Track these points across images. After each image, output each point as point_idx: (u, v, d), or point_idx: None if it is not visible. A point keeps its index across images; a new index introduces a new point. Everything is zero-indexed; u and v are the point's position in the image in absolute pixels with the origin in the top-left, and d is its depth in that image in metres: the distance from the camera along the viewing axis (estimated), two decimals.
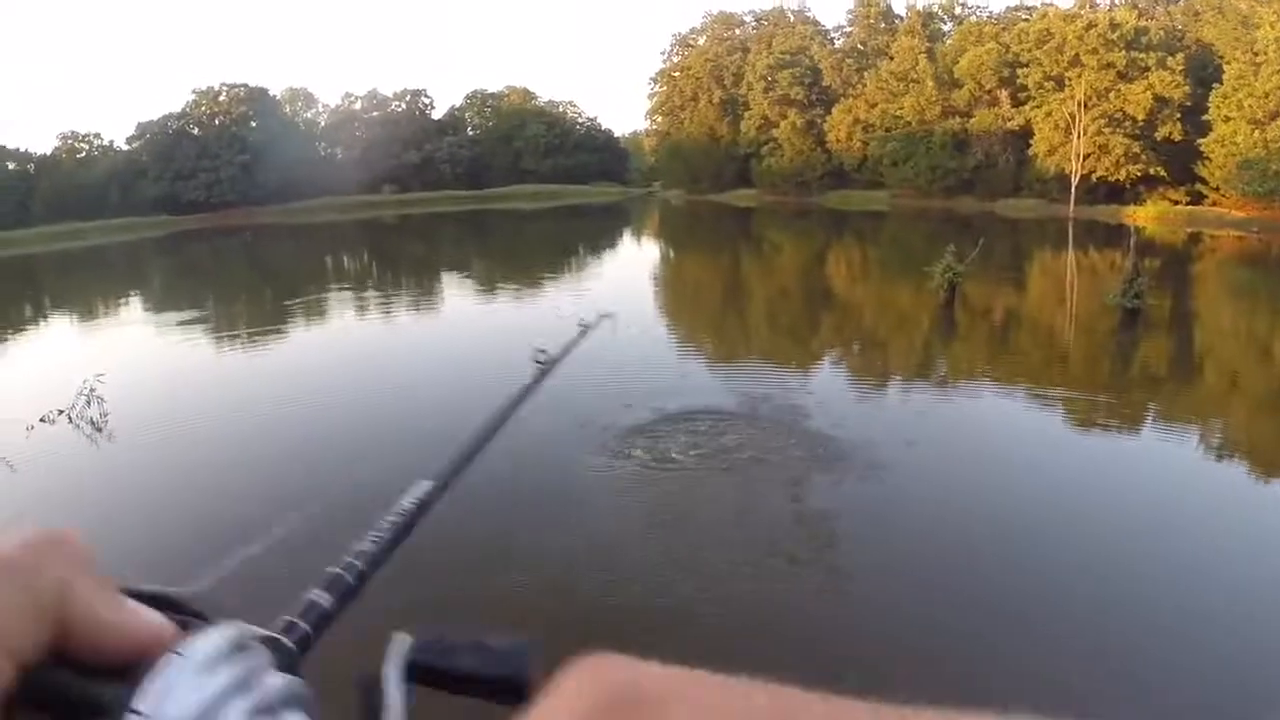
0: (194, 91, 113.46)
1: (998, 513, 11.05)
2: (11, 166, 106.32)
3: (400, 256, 57.30)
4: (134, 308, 37.21)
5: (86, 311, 36.37)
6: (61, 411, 16.66)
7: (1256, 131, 58.47)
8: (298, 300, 34.66)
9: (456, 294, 35.59)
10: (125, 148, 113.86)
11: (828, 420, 14.57)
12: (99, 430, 16.02)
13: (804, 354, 22.39)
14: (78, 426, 16.23)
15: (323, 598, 0.85)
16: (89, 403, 16.83)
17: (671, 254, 54.29)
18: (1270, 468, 13.25)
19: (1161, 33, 72.13)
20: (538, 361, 2.51)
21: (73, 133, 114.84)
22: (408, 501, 1.12)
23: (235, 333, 28.84)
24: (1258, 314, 29.08)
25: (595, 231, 70.72)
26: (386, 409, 16.93)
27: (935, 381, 18.71)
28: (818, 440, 13.52)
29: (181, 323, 30.06)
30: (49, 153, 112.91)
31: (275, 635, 0.69)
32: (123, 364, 23.14)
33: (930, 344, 23.50)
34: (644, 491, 11.71)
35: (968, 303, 28.63)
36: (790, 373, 19.50)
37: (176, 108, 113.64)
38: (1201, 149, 64.28)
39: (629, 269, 45.25)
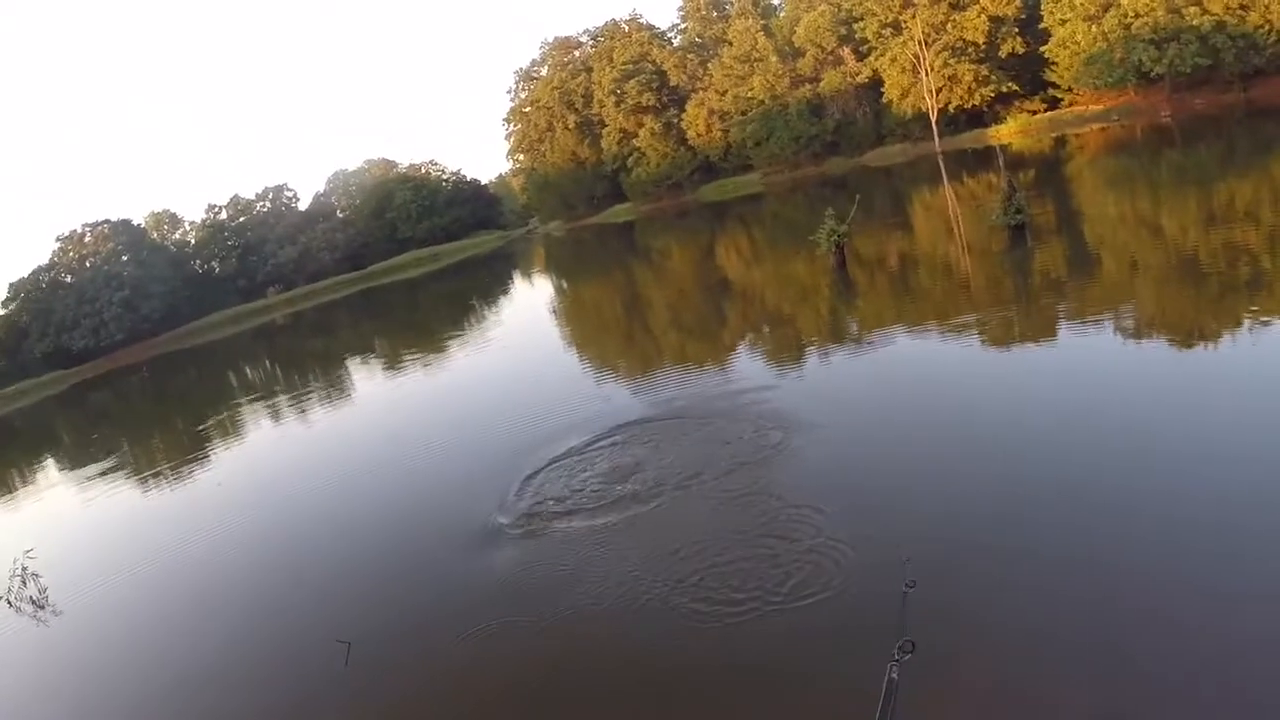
0: (57, 239, 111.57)
1: (945, 442, 11.01)
2: None
3: (301, 353, 56.42)
4: (49, 471, 36.00)
5: (2, 487, 35.15)
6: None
7: (1094, 26, 59.53)
8: (209, 422, 33.96)
9: (364, 377, 34.93)
10: (2, 312, 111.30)
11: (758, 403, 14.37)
12: (41, 608, 15.26)
13: (716, 349, 22.12)
14: (18, 610, 15.49)
15: None
16: (24, 582, 16.13)
17: (564, 284, 54.01)
18: (1187, 334, 13.35)
19: None
20: None
21: None
22: None
23: (155, 470, 28.00)
24: (1138, 194, 29.48)
25: (485, 281, 70.32)
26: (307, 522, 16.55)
27: (850, 341, 18.55)
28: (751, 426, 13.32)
29: (101, 474, 29.17)
30: None
31: None
32: (50, 533, 22.60)
33: (835, 308, 23.37)
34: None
35: (860, 258, 28.73)
36: (707, 370, 19.26)
37: (44, 259, 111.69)
38: (1046, 55, 65.37)
39: (526, 309, 45.08)
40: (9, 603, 15.75)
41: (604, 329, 31.68)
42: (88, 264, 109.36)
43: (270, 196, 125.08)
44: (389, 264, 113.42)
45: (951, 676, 6.64)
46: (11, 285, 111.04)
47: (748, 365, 18.91)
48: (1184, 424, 10.20)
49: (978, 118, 72.81)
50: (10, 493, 32.41)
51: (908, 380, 14.44)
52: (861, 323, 20.51)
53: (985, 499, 9.53)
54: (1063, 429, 10.72)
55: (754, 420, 13.67)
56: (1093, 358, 13.35)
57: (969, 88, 70.83)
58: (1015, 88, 70.60)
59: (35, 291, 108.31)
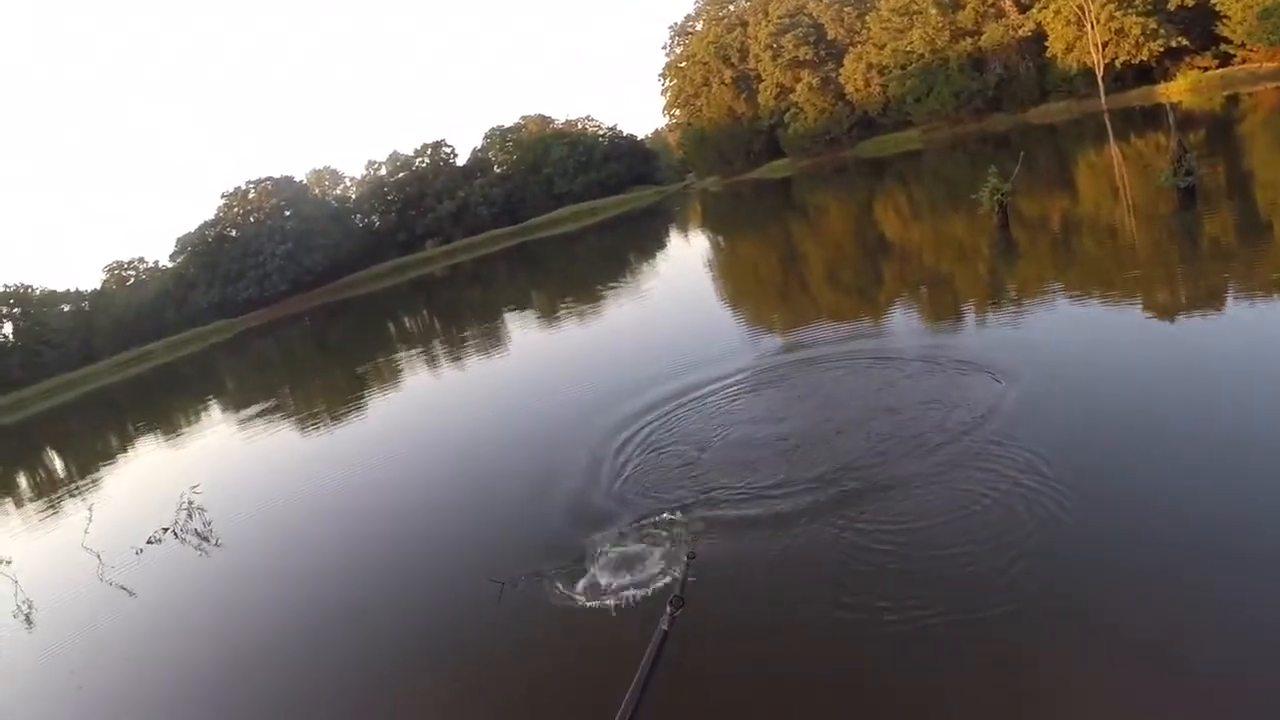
0: (223, 196, 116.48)
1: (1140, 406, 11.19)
2: (67, 309, 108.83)
3: (459, 304, 58.17)
4: (214, 413, 38.36)
5: (170, 427, 37.39)
6: (166, 529, 17.44)
7: None
8: (365, 368, 35.68)
9: (520, 328, 36.01)
10: (170, 264, 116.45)
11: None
12: (205, 540, 16.57)
13: (874, 306, 22.41)
14: (184, 541, 16.82)
15: None
16: (190, 515, 17.54)
17: (721, 240, 54.42)
18: None
19: None
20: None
21: (117, 262, 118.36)
22: None
23: (313, 412, 29.51)
24: None
25: (641, 236, 71.12)
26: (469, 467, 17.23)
27: (1011, 304, 18.66)
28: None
29: (263, 415, 31.04)
30: (99, 287, 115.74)
31: None
32: (215, 470, 24.05)
33: (996, 269, 23.47)
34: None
35: (1023, 219, 28.64)
36: (865, 327, 19.60)
37: (210, 215, 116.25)
38: (1218, 9, 62.98)
39: (683, 265, 45.75)
40: (175, 534, 17.18)
41: (762, 284, 32.08)
42: (252, 219, 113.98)
43: (429, 152, 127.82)
44: (546, 218, 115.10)
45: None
46: (179, 240, 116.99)
47: (896, 326, 19.08)
48: None
49: (1146, 74, 70.50)
50: (179, 433, 34.48)
51: (1080, 344, 14.49)
52: (1021, 285, 20.57)
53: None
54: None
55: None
56: (1266, 324, 13.38)
57: (1136, 41, 68.59)
58: (1185, 42, 67.99)
59: (202, 245, 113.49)
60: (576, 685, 8.34)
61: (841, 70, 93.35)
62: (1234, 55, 64.72)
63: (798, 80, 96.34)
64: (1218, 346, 12.91)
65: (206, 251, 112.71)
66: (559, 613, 9.54)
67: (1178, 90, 64.79)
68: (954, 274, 24.92)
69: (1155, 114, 52.63)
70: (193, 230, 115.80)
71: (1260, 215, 22.06)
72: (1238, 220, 21.74)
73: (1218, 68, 66.12)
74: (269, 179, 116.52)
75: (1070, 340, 14.60)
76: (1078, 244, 24.60)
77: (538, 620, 9.65)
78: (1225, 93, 58.22)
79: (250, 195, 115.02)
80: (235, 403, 39.49)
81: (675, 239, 64.14)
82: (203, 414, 38.45)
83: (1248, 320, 13.92)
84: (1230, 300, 15.16)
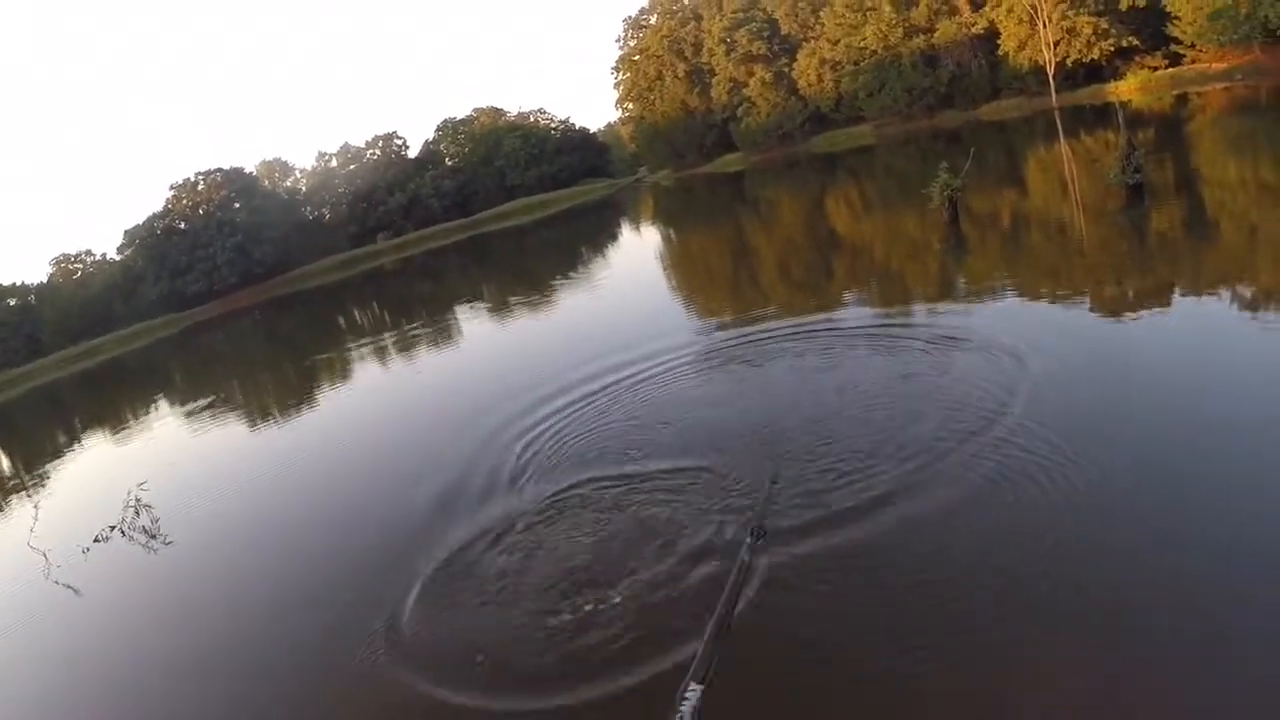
0: (171, 188, 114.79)
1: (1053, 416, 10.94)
2: (13, 302, 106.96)
3: (410, 297, 57.64)
4: (161, 407, 37.59)
5: (117, 423, 36.70)
6: (113, 526, 16.99)
7: None
8: (315, 361, 35.11)
9: (471, 321, 35.55)
10: (118, 258, 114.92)
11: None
12: (153, 537, 16.19)
13: (824, 300, 22.24)
14: (131, 538, 16.43)
15: None
16: (137, 512, 17.14)
17: (673, 234, 54.20)
18: None
19: None
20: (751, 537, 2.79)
21: (65, 255, 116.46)
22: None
23: (264, 405, 29.21)
24: (1260, 159, 28.89)
25: (593, 229, 70.79)
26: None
27: (960, 300, 18.54)
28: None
29: (209, 409, 30.48)
30: (45, 280, 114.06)
31: None
32: (162, 466, 23.64)
33: (945, 265, 23.39)
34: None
35: (973, 215, 28.65)
36: (812, 320, 19.38)
37: (159, 207, 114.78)
38: (1169, 10, 63.41)
39: (635, 258, 45.57)
40: (122, 532, 16.77)
41: (713, 279, 31.92)
42: (201, 211, 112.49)
43: (380, 144, 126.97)
44: (497, 211, 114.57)
45: None
46: (127, 232, 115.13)
47: (848, 319, 18.64)
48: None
49: (1096, 73, 71.02)
50: (126, 428, 33.89)
51: (1022, 334, 14.08)
52: (971, 280, 20.51)
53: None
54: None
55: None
56: (1206, 323, 13.36)
57: (1088, 41, 69.04)
58: (1136, 42, 68.48)
59: (150, 238, 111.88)
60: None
61: (795, 65, 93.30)
62: (1184, 55, 65.18)
63: (751, 75, 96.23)
64: (1159, 341, 12.96)
65: (155, 244, 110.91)
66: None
67: (1128, 89, 65.31)
68: (903, 269, 24.90)
69: (1105, 112, 52.99)
70: (141, 223, 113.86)
71: (1206, 212, 22.20)
72: (1185, 216, 21.85)
73: (1167, 67, 66.61)
74: (218, 170, 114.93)
75: (1013, 331, 14.40)
76: (1026, 239, 24.66)
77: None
78: (1174, 92, 58.74)
79: (199, 187, 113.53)
80: (182, 397, 38.91)
81: (627, 232, 63.86)
82: (150, 409, 37.72)
83: (1193, 314, 13.99)
84: (1175, 295, 15.25)
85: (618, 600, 8.54)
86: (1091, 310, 15.31)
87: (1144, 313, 14.62)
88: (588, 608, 8.62)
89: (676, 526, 9.73)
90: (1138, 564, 7.46)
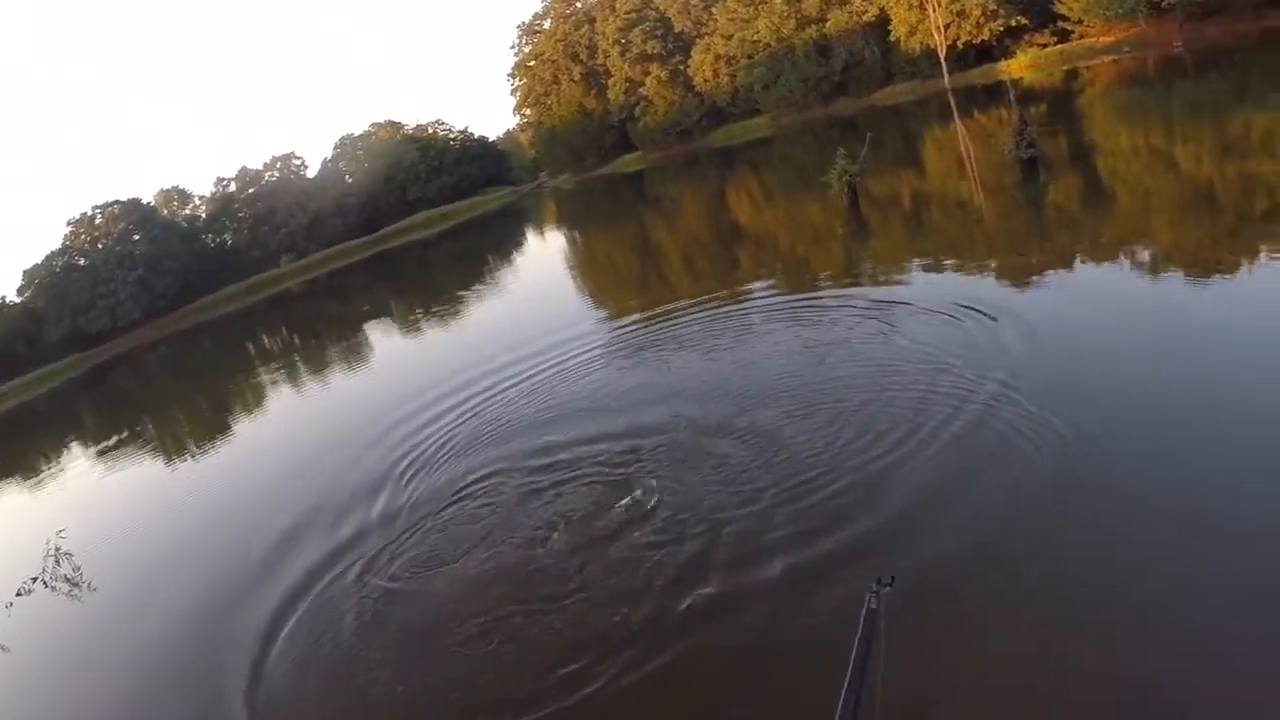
0: (69, 223, 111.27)
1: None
2: None
3: (317, 319, 56.60)
4: (72, 451, 36.33)
5: (29, 471, 35.31)
6: (35, 578, 16.14)
7: None
8: (226, 392, 34.32)
9: (382, 338, 34.97)
10: (18, 299, 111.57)
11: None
12: (76, 585, 15.46)
13: (731, 288, 21.98)
14: (54, 589, 15.64)
15: None
16: (58, 561, 16.41)
17: (577, 237, 53.90)
18: (1199, 261, 13.29)
19: None
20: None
21: None
22: None
23: (179, 441, 28.38)
24: (1150, 126, 29.20)
25: (497, 238, 70.28)
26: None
27: (865, 281, 18.42)
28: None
29: (119, 448, 29.57)
30: None
31: None
32: (78, 511, 22.81)
33: (849, 248, 23.27)
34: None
35: (872, 198, 28.67)
36: (722, 311, 19.14)
37: (57, 245, 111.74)
38: None
39: (541, 262, 45.16)
40: (44, 583, 15.95)
41: (619, 279, 31.66)
42: (99, 245, 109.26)
43: (278, 166, 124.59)
44: (401, 225, 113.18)
45: None
46: (25, 272, 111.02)
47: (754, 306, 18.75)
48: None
49: (987, 53, 71.70)
50: (38, 476, 32.65)
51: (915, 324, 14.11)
52: (875, 262, 20.44)
53: None
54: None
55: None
56: (1104, 282, 13.54)
57: (977, 22, 69.69)
58: (1024, 21, 69.26)
59: (49, 276, 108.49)
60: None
61: (690, 62, 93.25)
62: (1072, 31, 66.05)
63: (646, 74, 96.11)
64: (1061, 298, 13.27)
65: (54, 283, 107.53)
66: None
67: (1018, 67, 66.09)
68: (805, 254, 24.82)
69: (997, 91, 53.66)
70: (39, 261, 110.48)
71: (1100, 179, 22.42)
72: (1079, 185, 22.02)
73: (1056, 44, 67.42)
74: (115, 203, 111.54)
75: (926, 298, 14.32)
76: (926, 217, 24.74)
77: None
78: (1064, 67, 59.56)
79: (97, 221, 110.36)
80: (92, 438, 37.69)
81: (532, 238, 63.42)
82: (61, 453, 36.46)
83: (1092, 275, 14.27)
84: (1074, 257, 15.43)
85: None
86: (996, 279, 15.22)
87: (1046, 275, 14.69)
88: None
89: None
90: None
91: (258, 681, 9.52)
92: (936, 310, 13.71)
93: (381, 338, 34.62)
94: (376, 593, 10.44)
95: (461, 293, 38.57)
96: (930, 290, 15.16)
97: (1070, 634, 6.36)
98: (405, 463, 14.67)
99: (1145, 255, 14.43)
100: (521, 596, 9.25)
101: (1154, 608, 6.37)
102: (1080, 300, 13.18)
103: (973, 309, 13.22)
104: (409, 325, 35.80)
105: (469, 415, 16.05)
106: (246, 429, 26.26)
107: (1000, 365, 10.92)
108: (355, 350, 33.59)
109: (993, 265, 16.28)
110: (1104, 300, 12.75)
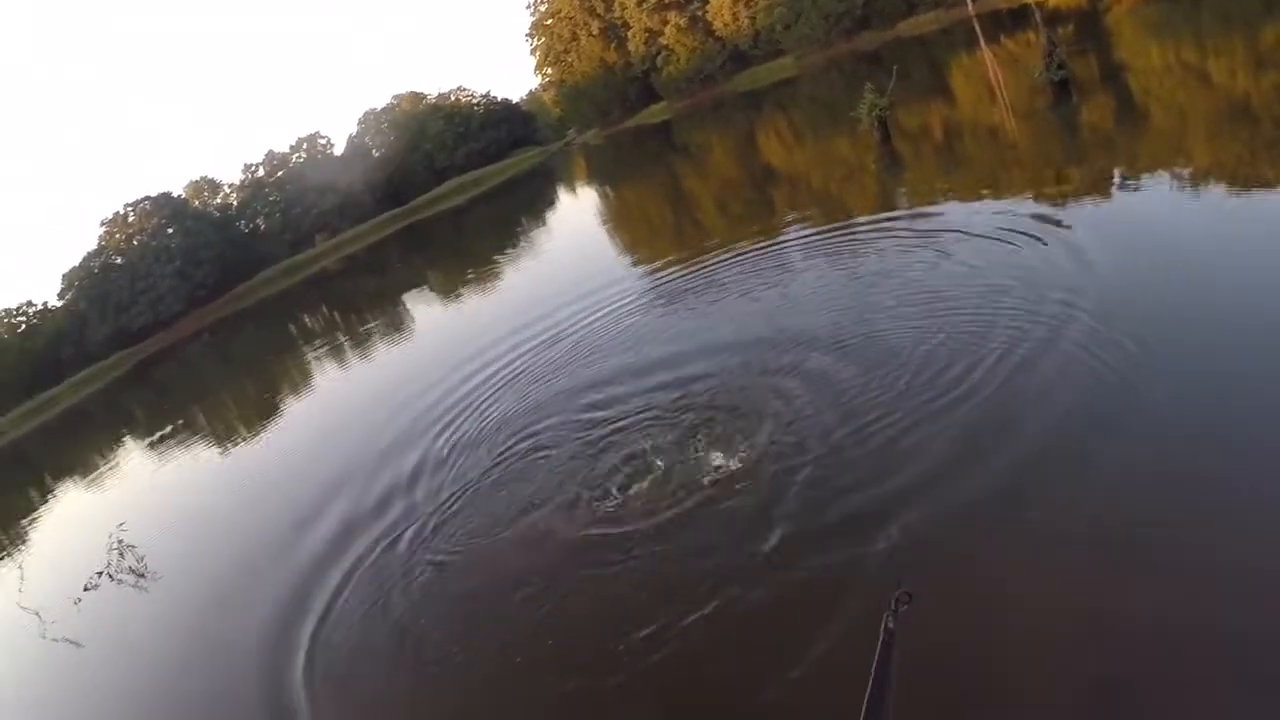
0: (102, 223, 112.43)
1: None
2: None
3: (356, 295, 56.95)
4: (126, 445, 37.02)
5: (87, 469, 35.99)
6: (100, 572, 16.65)
7: None
8: (274, 374, 34.72)
9: (423, 308, 35.25)
10: (60, 303, 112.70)
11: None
12: (141, 576, 15.86)
13: (769, 229, 22.04)
14: (120, 581, 16.06)
15: None
16: (121, 554, 16.89)
17: (609, 190, 53.94)
18: (1240, 176, 13.24)
19: None
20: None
21: (5, 310, 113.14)
22: None
23: (232, 427, 28.74)
24: (1181, 42, 28.86)
25: (529, 199, 70.22)
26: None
27: (903, 214, 18.41)
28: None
29: (173, 437, 30.03)
30: None
31: None
32: (137, 502, 23.25)
33: (884, 181, 23.26)
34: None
35: (903, 131, 28.51)
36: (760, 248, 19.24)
37: (92, 245, 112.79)
38: None
39: (576, 217, 45.37)
40: (110, 576, 16.48)
41: (652, 226, 31.74)
42: (135, 242, 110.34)
43: (304, 146, 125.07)
44: (431, 195, 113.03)
45: None
46: (64, 276, 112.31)
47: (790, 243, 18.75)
48: None
49: None
50: (96, 473, 33.26)
51: (958, 250, 14.15)
52: (911, 195, 20.43)
53: None
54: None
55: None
56: (1145, 207, 13.41)
57: None
58: None
59: (88, 278, 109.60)
60: None
61: (708, 7, 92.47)
62: None
63: (665, 23, 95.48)
64: (1101, 228, 12.84)
65: (94, 284, 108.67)
66: None
67: None
68: (840, 191, 24.81)
69: (1022, 14, 52.69)
70: (77, 264, 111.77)
71: (1132, 99, 22.18)
72: (1113, 105, 21.84)
73: None
74: (146, 199, 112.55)
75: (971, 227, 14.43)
76: (959, 147, 24.60)
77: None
78: None
79: (130, 218, 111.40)
80: (145, 431, 38.32)
81: (564, 196, 63.41)
82: (116, 449, 37.09)
83: (1132, 197, 14.16)
84: (1113, 178, 15.41)
85: None
86: (1036, 202, 15.21)
87: (1087, 197, 14.68)
88: None
89: None
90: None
91: (313, 657, 9.67)
92: (983, 235, 13.81)
93: (422, 307, 34.91)
94: (439, 553, 10.70)
95: (497, 257, 38.75)
96: (972, 217, 15.15)
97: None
98: (447, 434, 14.86)
99: (1186, 172, 14.35)
100: (586, 552, 9.23)
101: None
102: (1126, 220, 13.14)
103: (1019, 232, 13.31)
104: (449, 293, 35.97)
105: (514, 374, 16.37)
106: (296, 407, 26.75)
107: (1059, 284, 10.90)
108: (393, 324, 33.93)
109: (1032, 190, 16.22)
110: (1151, 218, 12.71)
